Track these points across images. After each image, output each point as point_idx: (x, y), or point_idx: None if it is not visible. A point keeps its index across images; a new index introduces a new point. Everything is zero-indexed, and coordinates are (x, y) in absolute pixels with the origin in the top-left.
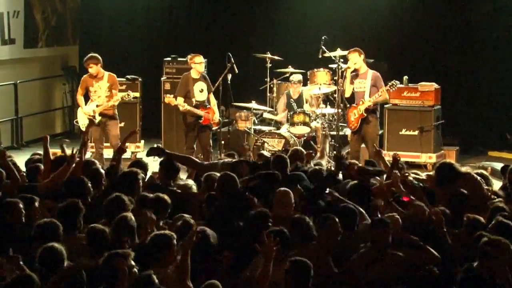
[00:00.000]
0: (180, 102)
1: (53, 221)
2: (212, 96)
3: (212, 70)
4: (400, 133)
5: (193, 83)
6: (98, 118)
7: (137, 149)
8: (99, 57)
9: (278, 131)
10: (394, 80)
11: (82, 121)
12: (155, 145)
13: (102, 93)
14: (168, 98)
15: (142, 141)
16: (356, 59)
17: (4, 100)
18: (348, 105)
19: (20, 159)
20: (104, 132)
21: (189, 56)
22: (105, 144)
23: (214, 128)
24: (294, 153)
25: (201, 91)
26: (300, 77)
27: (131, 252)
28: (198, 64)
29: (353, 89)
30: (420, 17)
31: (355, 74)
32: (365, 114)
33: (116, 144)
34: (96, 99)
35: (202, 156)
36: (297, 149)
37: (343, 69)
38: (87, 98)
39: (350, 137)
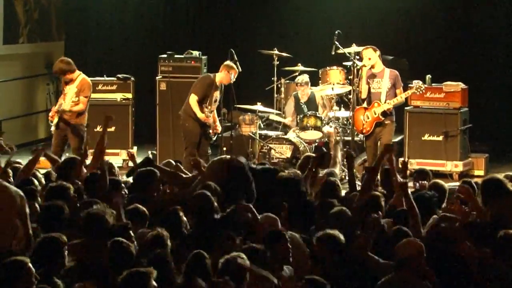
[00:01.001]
0: (194, 104)
1: None
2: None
3: (212, 68)
4: (423, 138)
5: (214, 89)
6: (55, 121)
7: None
8: (70, 62)
9: (286, 137)
10: (417, 81)
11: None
12: (150, 154)
13: (68, 97)
14: (202, 115)
15: (135, 148)
16: (371, 55)
17: None
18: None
19: None
20: (63, 142)
21: (227, 62)
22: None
23: (213, 137)
24: (305, 161)
25: (215, 101)
26: (306, 78)
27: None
28: (232, 76)
29: (369, 89)
30: (445, 9)
31: (372, 73)
32: (382, 118)
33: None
34: (62, 102)
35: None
36: (308, 156)
37: (358, 67)
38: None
39: (366, 143)
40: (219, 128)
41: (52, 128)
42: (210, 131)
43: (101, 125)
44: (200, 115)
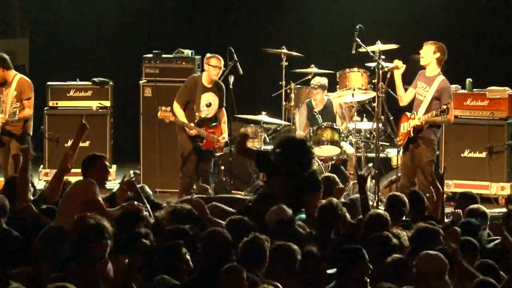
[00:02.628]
0: (177, 111)
1: None
2: (223, 111)
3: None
4: (462, 155)
5: (201, 91)
6: None
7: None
8: (3, 56)
9: None
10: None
11: None
12: (131, 174)
13: (7, 103)
14: (164, 113)
15: (114, 166)
16: (428, 54)
17: None
18: (391, 117)
19: None
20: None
21: (207, 55)
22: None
23: (218, 154)
24: (325, 183)
25: (209, 105)
26: (323, 80)
27: None
28: (212, 68)
29: (415, 94)
30: (488, 1)
31: (423, 76)
32: (412, 134)
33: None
34: (2, 111)
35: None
36: (328, 176)
37: (385, 69)
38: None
39: (401, 157)
40: (222, 140)
41: None
42: (200, 144)
43: (72, 139)
44: (181, 119)
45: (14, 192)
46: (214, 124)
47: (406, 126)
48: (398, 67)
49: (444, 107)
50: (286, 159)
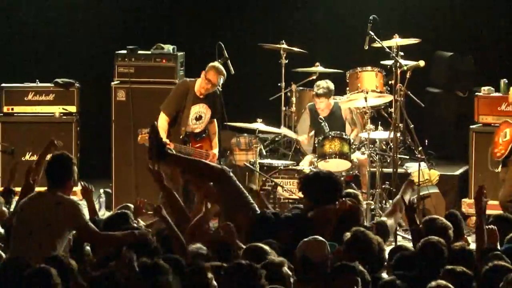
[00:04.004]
0: (161, 123)
1: None
2: (214, 122)
3: (193, 69)
4: (496, 170)
5: (191, 102)
6: None
7: (72, 196)
8: None
9: (299, 168)
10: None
11: None
12: (101, 193)
13: None
14: (144, 136)
15: (80, 184)
16: None
17: None
18: (412, 125)
19: None
20: None
21: (209, 64)
22: None
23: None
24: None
25: (198, 118)
26: (328, 86)
27: None
28: (205, 81)
29: None
30: None
31: None
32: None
33: None
34: None
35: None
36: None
37: (405, 68)
38: None
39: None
40: (214, 159)
41: None
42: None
43: (31, 151)
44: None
45: None
46: (202, 136)
47: (508, 133)
48: (420, 66)
49: None
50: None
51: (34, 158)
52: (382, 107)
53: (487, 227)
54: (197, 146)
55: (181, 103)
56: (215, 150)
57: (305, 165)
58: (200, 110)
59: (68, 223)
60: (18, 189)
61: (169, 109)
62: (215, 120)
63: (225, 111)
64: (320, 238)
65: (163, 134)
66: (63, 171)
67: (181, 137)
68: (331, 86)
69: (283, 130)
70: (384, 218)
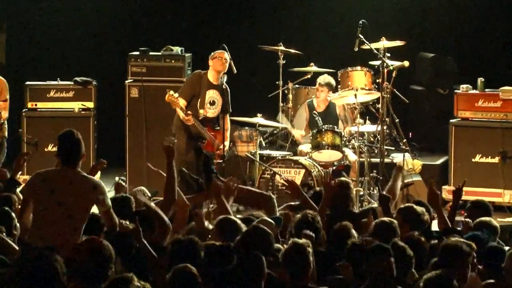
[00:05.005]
0: (181, 105)
1: None
2: (227, 118)
3: (198, 68)
4: (473, 160)
5: (206, 87)
6: None
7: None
8: None
9: (295, 158)
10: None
11: None
12: (117, 180)
13: None
14: (171, 97)
15: (98, 172)
16: None
17: None
18: (397, 119)
19: None
20: None
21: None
22: None
23: (216, 161)
24: (343, 188)
25: (212, 103)
26: (329, 79)
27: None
28: (216, 60)
29: None
30: None
31: None
32: None
33: None
34: None
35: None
36: (342, 182)
37: (391, 67)
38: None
39: None
40: (221, 146)
41: None
42: (201, 144)
43: (53, 143)
44: (180, 115)
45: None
46: (218, 128)
47: None
48: (405, 66)
49: None
50: None
51: (56, 149)
52: (370, 103)
53: (464, 220)
54: (212, 133)
55: (195, 88)
56: (226, 143)
57: (301, 156)
58: (213, 95)
59: (99, 204)
60: (26, 177)
61: (185, 93)
62: (228, 116)
63: (229, 106)
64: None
65: (182, 106)
66: (77, 148)
67: (200, 118)
68: (332, 81)
69: (280, 118)
70: (375, 205)
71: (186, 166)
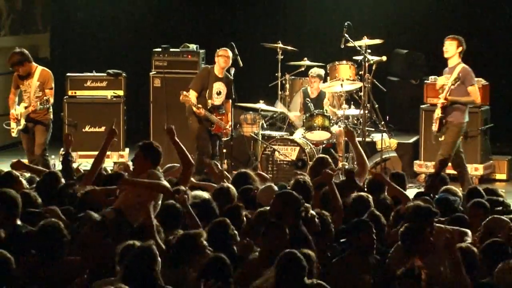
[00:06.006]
0: (192, 98)
1: None
2: (230, 103)
3: (211, 63)
4: (440, 139)
5: (213, 80)
6: (22, 123)
7: (121, 159)
8: (25, 52)
9: (291, 137)
10: (434, 77)
11: (13, 125)
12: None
13: (31, 93)
14: (185, 97)
15: (127, 149)
16: (451, 48)
17: None
18: (376, 105)
19: None
20: (33, 141)
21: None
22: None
23: (224, 138)
24: (318, 163)
25: (219, 93)
26: (320, 71)
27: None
28: (220, 57)
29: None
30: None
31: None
32: (439, 114)
33: (39, 155)
34: (25, 100)
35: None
36: (322, 157)
37: (371, 62)
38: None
39: None
40: (229, 129)
41: (14, 134)
42: (211, 128)
43: (90, 124)
44: (196, 110)
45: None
46: (223, 112)
47: (436, 113)
48: (383, 60)
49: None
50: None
51: (92, 129)
52: (354, 91)
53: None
54: (219, 118)
55: (204, 82)
56: (230, 123)
57: (296, 136)
58: (219, 87)
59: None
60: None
61: (196, 86)
62: (230, 101)
63: (236, 94)
64: (271, 184)
65: (194, 100)
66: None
67: (208, 108)
68: (322, 72)
69: (278, 105)
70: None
71: (198, 142)
